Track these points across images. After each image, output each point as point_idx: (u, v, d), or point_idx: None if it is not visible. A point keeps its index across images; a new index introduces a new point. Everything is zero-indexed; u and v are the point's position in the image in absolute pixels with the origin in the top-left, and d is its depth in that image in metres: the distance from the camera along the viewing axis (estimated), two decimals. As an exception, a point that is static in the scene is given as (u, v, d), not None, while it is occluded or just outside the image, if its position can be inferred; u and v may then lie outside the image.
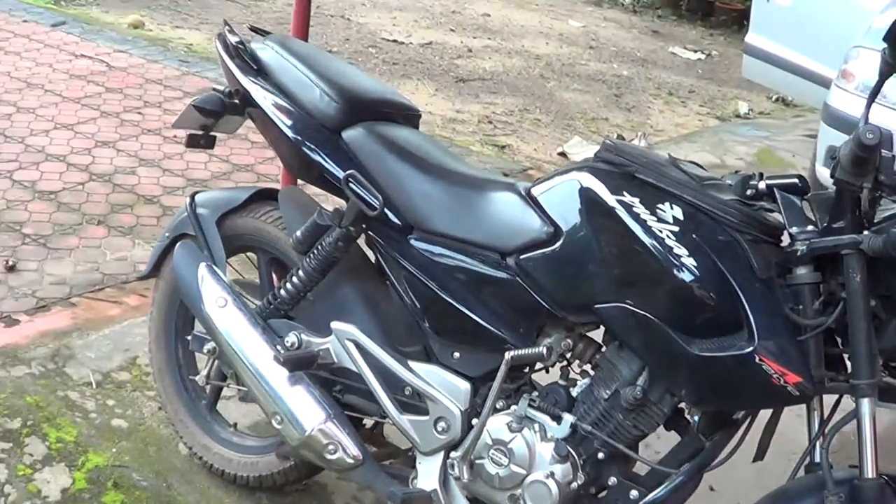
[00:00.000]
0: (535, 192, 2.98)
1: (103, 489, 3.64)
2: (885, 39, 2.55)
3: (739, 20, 12.98)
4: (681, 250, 2.66)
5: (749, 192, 2.74)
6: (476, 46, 10.93)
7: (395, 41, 10.64)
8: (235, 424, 3.82)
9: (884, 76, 2.60)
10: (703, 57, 12.24)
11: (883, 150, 2.50)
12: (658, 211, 2.71)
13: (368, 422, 3.42)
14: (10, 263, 4.99)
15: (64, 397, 4.08)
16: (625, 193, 2.76)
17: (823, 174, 6.80)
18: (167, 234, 3.69)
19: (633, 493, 2.90)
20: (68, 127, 6.80)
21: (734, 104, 10.11)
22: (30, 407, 3.98)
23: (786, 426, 2.87)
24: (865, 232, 2.54)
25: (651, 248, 2.69)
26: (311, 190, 3.59)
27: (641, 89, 10.21)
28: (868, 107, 2.64)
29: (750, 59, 9.10)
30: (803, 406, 2.74)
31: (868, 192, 2.51)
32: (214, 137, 3.70)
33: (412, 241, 3.12)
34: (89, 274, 5.04)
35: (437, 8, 12.70)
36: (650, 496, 2.85)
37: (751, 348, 2.58)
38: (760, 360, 2.57)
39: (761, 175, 2.78)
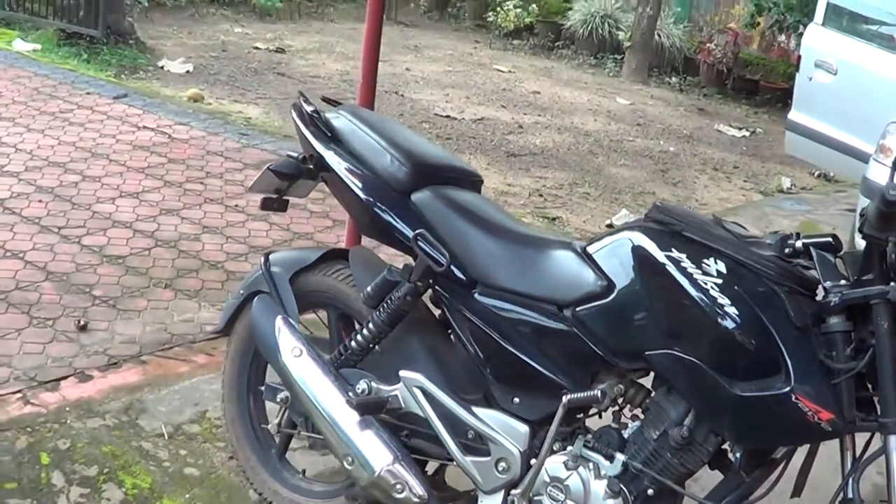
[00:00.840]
0: (590, 249, 3.20)
1: (178, 532, 3.82)
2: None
3: (783, 98, 13.19)
4: (724, 300, 2.88)
5: (787, 250, 2.98)
6: (526, 122, 11.22)
7: (447, 117, 10.95)
8: (304, 471, 4.01)
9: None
10: (747, 134, 12.49)
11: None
12: (703, 265, 2.93)
13: (430, 468, 3.62)
14: (82, 323, 5.20)
15: (138, 447, 4.28)
16: (673, 250, 2.99)
17: (862, 244, 7.00)
18: (241, 292, 3.89)
19: None
20: (133, 195, 7.05)
21: (777, 179, 10.31)
22: (106, 456, 4.19)
23: (822, 467, 3.06)
24: (893, 283, 2.76)
25: (697, 299, 2.91)
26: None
27: (687, 165, 10.45)
28: (893, 170, 2.86)
29: (792, 136, 9.32)
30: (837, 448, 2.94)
31: (893, 246, 2.74)
32: (287, 201, 3.92)
33: (476, 295, 3.33)
34: (158, 334, 5.25)
35: (489, 86, 13.04)
36: None
37: (788, 389, 2.79)
38: (797, 399, 2.78)
39: (798, 235, 3.02)
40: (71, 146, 7.92)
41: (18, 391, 4.58)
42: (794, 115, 9.37)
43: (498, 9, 17.26)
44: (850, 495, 2.86)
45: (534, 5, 17.36)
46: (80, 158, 7.66)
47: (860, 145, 7.94)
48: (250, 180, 6.75)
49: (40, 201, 6.73)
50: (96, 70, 10.56)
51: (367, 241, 4.02)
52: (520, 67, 14.72)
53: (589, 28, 16.32)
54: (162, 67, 11.37)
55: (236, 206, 7.03)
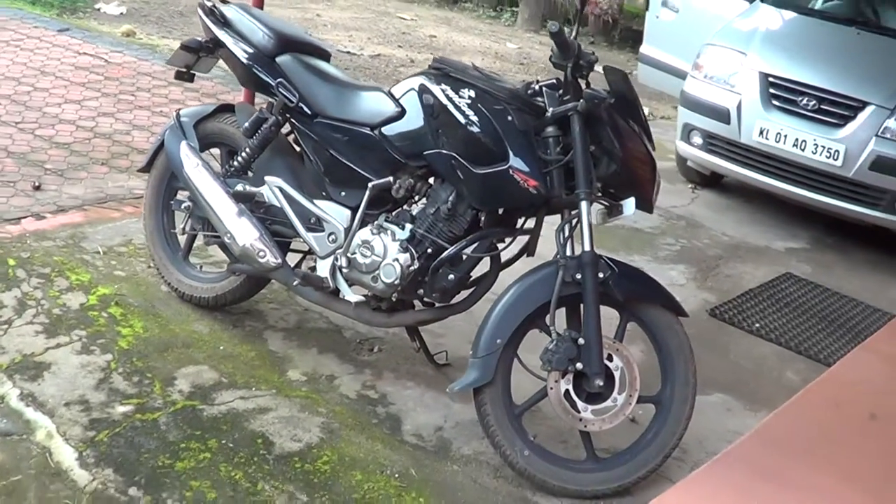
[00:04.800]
0: (393, 90, 4.72)
1: (109, 304, 5.24)
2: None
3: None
4: (471, 114, 4.37)
5: (529, 91, 4.47)
6: (419, 59, 12.67)
7: (348, 52, 12.37)
8: (201, 266, 5.53)
9: (583, 3, 4.36)
10: (623, 75, 13.86)
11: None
12: (460, 93, 4.42)
13: (293, 262, 5.07)
14: (37, 184, 6.60)
15: (80, 258, 5.69)
16: (442, 84, 4.48)
17: (681, 147, 8.60)
18: (159, 138, 5.36)
19: (451, 277, 4.56)
20: (76, 102, 8.43)
21: (639, 110, 11.73)
22: (56, 262, 5.59)
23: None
24: (581, 100, 4.25)
25: (455, 114, 4.40)
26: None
27: (558, 96, 11.85)
28: (578, 19, 4.37)
29: (643, 67, 10.78)
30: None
31: (570, 70, 4.24)
32: (194, 74, 5.47)
33: (317, 123, 4.82)
34: (96, 194, 6.65)
35: (391, 30, 14.48)
36: (447, 253, 4.50)
37: (507, 166, 4.29)
38: (512, 173, 4.28)
39: (538, 81, 4.51)
40: (23, 66, 9.24)
41: (-12, 225, 5.97)
42: (644, 48, 10.84)
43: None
44: (565, 253, 4.34)
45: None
46: (31, 75, 8.99)
47: (693, 70, 9.23)
48: (174, 95, 8.26)
49: (-1, 104, 8.12)
50: (41, 10, 11.77)
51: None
52: (422, 16, 16.14)
53: (489, -18, 17.69)
54: (98, 9, 12.63)
55: (161, 111, 8.42)
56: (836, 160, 7.71)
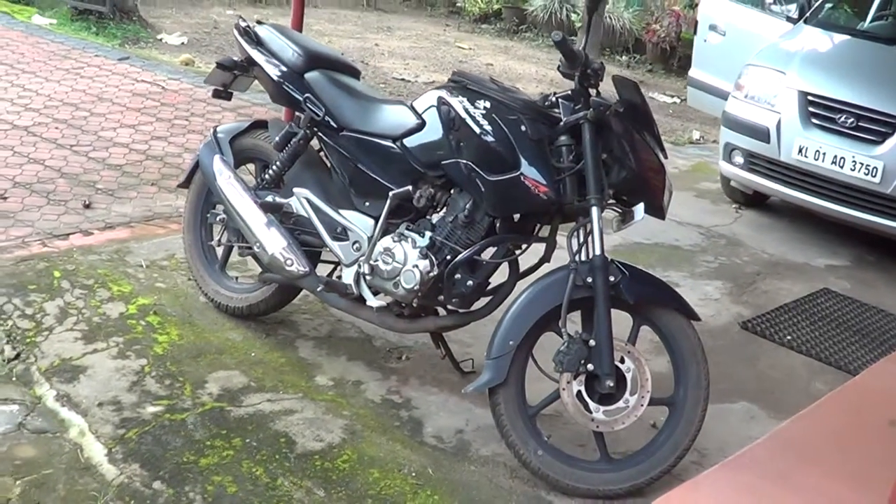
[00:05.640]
0: (414, 104, 4.88)
1: (147, 314, 5.46)
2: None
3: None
4: (486, 124, 4.52)
5: (546, 102, 4.61)
6: (473, 86, 12.82)
7: (403, 80, 12.59)
8: (237, 277, 5.71)
9: (590, 12, 4.50)
10: (677, 101, 14.04)
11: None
12: (476, 103, 4.57)
13: (324, 272, 5.25)
14: (87, 202, 6.86)
15: (123, 271, 5.91)
16: (459, 96, 4.64)
17: (723, 167, 8.70)
18: (197, 154, 5.57)
19: (469, 283, 4.71)
20: (131, 126, 8.71)
21: (690, 134, 11.88)
22: (100, 274, 5.82)
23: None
24: (591, 108, 4.39)
25: (471, 124, 4.55)
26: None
27: (611, 121, 11.98)
28: (586, 30, 4.53)
29: (692, 90, 10.89)
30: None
31: (578, 80, 4.39)
32: (231, 93, 5.70)
33: (342, 135, 5.01)
34: (144, 212, 6.89)
35: (448, 59, 14.68)
36: (462, 255, 4.64)
37: (518, 173, 4.43)
38: (524, 179, 4.43)
39: (555, 93, 4.65)
40: (81, 92, 9.58)
41: (39, 240, 6.22)
42: (693, 72, 10.94)
43: (468, -4, 18.91)
44: (578, 258, 4.48)
45: (502, -8, 18.96)
46: (89, 101, 9.32)
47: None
48: (228, 120, 8.48)
49: (56, 128, 8.40)
50: (104, 40, 12.16)
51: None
52: (481, 46, 16.35)
53: (549, 12, 17.92)
54: (160, 39, 12.99)
55: (214, 136, 8.68)
56: (874, 177, 7.76)
